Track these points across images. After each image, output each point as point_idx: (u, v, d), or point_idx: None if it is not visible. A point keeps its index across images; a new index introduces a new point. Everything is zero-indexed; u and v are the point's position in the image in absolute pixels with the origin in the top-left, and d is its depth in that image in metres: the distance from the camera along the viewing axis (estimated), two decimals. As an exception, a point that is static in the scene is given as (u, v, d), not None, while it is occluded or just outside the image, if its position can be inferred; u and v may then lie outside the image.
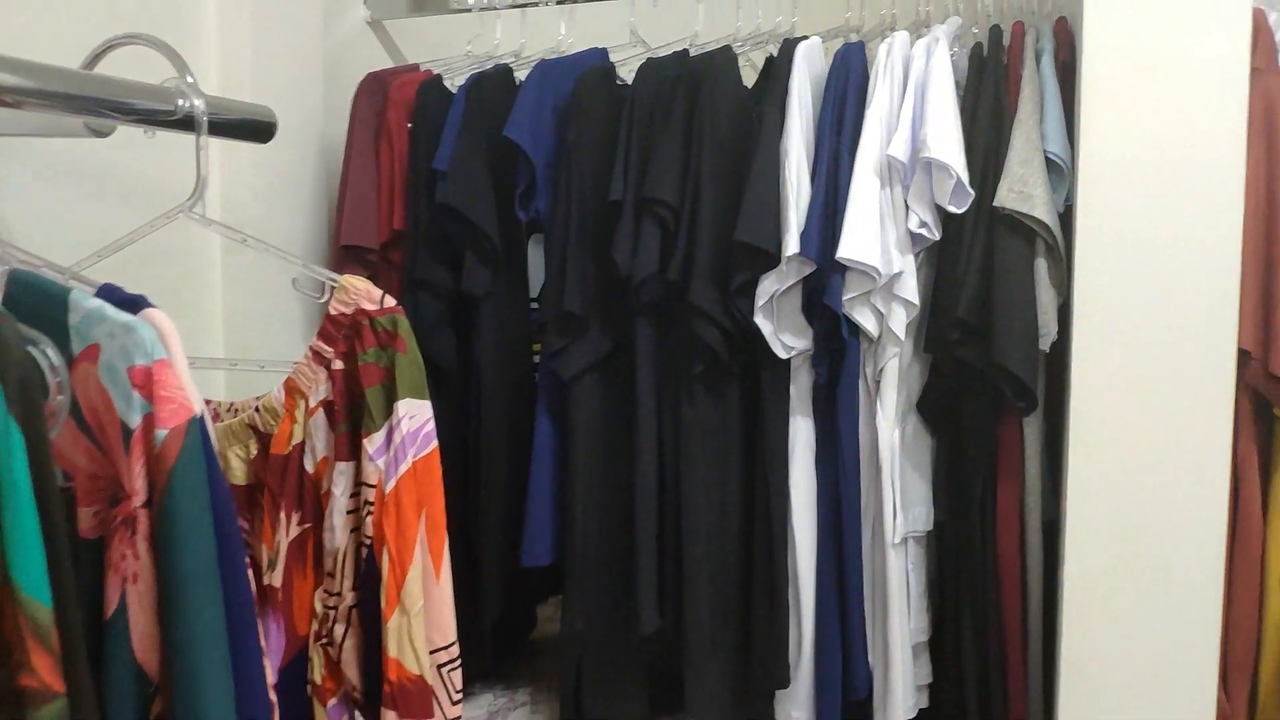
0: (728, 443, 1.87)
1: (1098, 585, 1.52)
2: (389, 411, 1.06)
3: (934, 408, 1.76)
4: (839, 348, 1.76)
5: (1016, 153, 1.56)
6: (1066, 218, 1.57)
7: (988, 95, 1.64)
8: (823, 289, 1.71)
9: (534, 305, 2.09)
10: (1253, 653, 1.57)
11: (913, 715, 1.81)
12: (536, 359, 2.04)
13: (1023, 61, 1.63)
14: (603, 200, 1.82)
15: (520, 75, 1.98)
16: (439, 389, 1.99)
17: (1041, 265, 1.57)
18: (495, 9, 2.13)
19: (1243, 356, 1.47)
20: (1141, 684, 1.51)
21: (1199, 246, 1.43)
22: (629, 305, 1.84)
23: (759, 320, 1.74)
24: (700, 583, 1.86)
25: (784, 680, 1.85)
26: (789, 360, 1.79)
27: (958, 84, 1.70)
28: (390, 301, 1.08)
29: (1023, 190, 1.53)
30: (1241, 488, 1.53)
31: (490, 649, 2.27)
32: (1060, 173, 1.57)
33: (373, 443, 1.06)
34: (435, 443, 1.09)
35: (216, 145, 1.76)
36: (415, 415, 1.07)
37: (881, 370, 1.73)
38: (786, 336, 1.77)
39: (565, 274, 1.82)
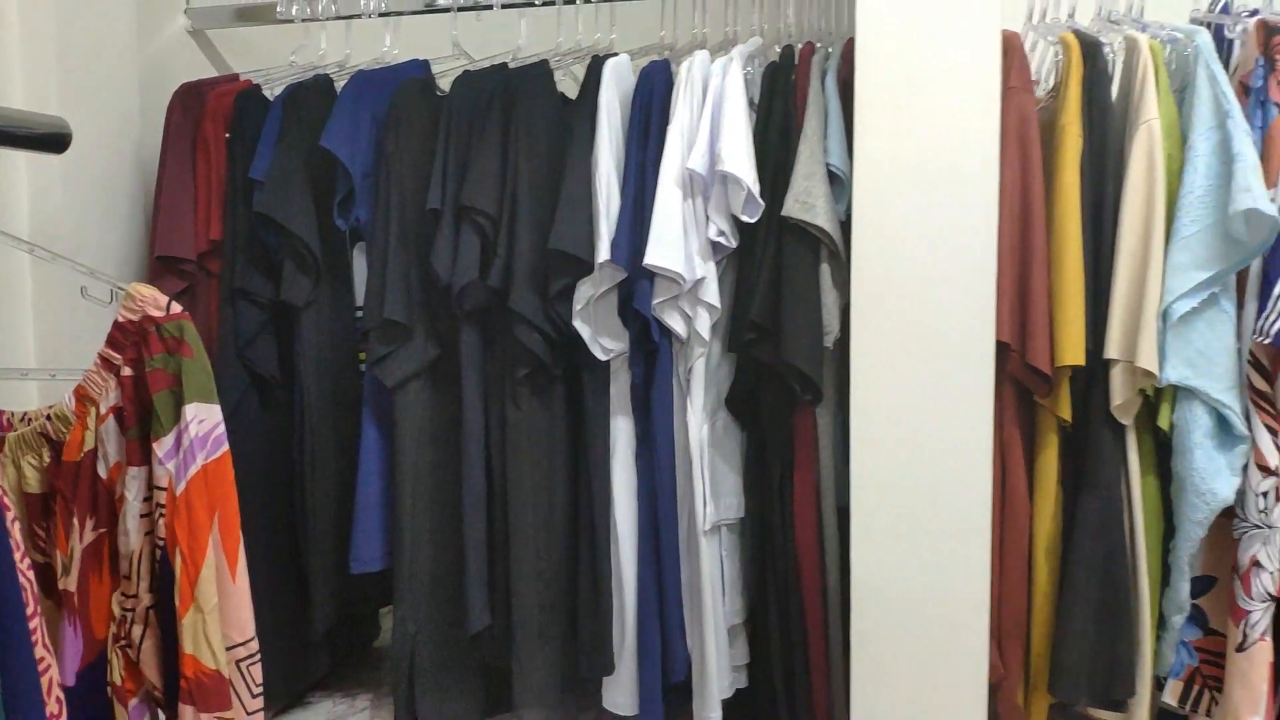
0: (552, 443, 1.94)
1: (881, 563, 1.64)
2: (177, 416, 1.09)
3: (741, 403, 1.87)
4: (652, 349, 1.85)
5: (801, 166, 1.68)
6: (849, 225, 1.69)
7: (778, 112, 1.76)
8: (633, 294, 1.80)
9: (359, 313, 2.11)
10: (1024, 618, 1.72)
11: (729, 694, 1.92)
12: (364, 367, 2.06)
13: (809, 79, 1.75)
14: (422, 209, 1.86)
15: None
16: (263, 399, 2.01)
17: (825, 270, 1.69)
18: (319, 20, 2.15)
19: (1005, 349, 1.62)
20: (923, 652, 1.64)
21: (959, 249, 1.57)
22: (452, 312, 1.89)
23: (578, 324, 1.82)
24: (528, 579, 1.92)
25: (609, 668, 1.93)
26: (608, 362, 1.88)
27: (753, 101, 1.83)
28: (177, 308, 1.11)
29: (806, 201, 1.65)
30: (1008, 468, 1.68)
31: (326, 657, 2.28)
32: (842, 184, 1.69)
33: (162, 447, 1.09)
34: (226, 446, 1.13)
35: (22, 156, 1.74)
36: (204, 419, 1.10)
37: (691, 370, 1.83)
38: (605, 340, 1.85)
39: (386, 282, 1.86)
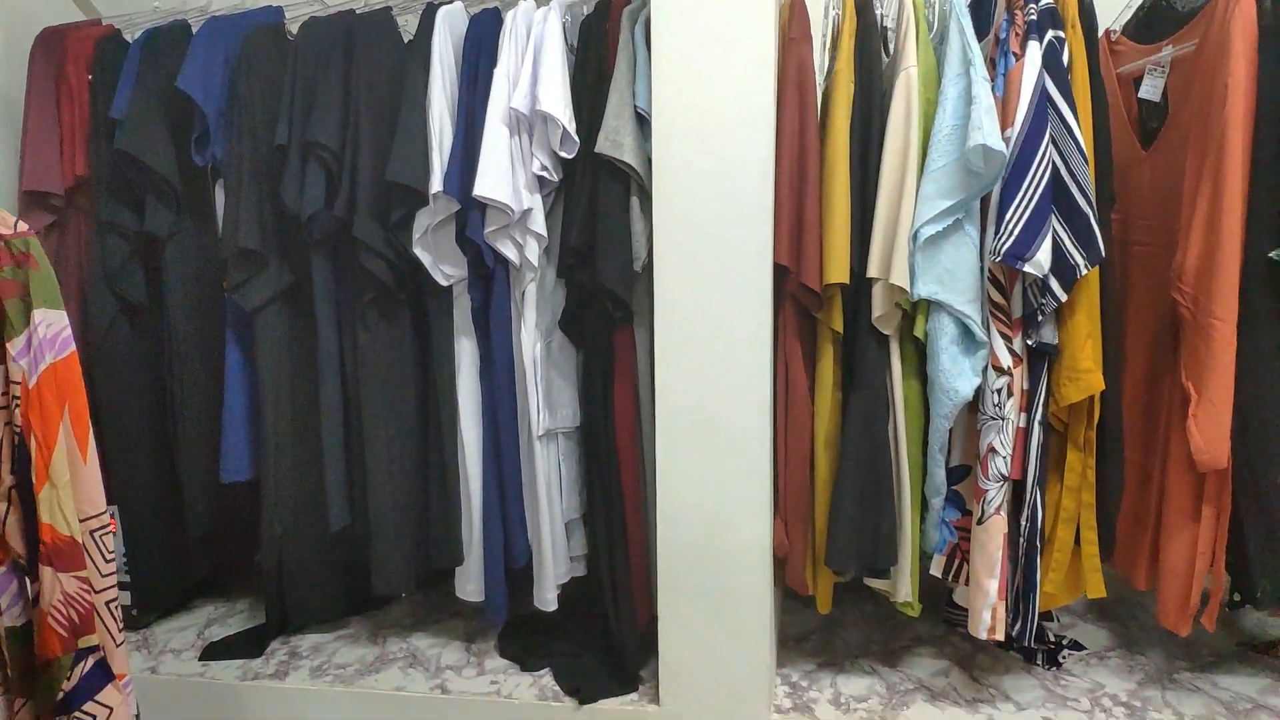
0: (400, 361, 2.14)
1: (680, 456, 1.89)
2: (28, 320, 1.27)
3: (572, 323, 2.09)
4: (489, 275, 2.05)
5: (612, 108, 1.89)
6: (656, 161, 1.91)
7: (593, 58, 1.97)
8: (467, 223, 2.00)
9: (222, 244, 2.26)
10: (808, 502, 1.98)
11: (566, 580, 2.17)
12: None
13: (620, 28, 1.95)
14: (272, 145, 2.02)
15: (202, 32, 2.14)
16: (133, 323, 2.17)
17: (635, 201, 1.91)
18: (181, -34, 2.28)
19: (785, 271, 1.87)
20: (715, 529, 1.89)
21: (742, 184, 1.80)
22: (304, 241, 2.06)
23: (418, 251, 2.01)
24: (382, 482, 2.13)
25: (458, 559, 2.16)
26: (451, 287, 2.08)
27: (573, 47, 2.02)
28: (23, 226, 1.28)
29: (615, 139, 1.87)
30: (791, 374, 1.93)
31: (207, 562, 2.46)
32: (650, 125, 1.90)
33: (15, 346, 1.27)
34: (73, 348, 1.31)
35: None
36: (51, 324, 1.28)
37: (524, 293, 2.04)
38: (446, 266, 2.05)
39: (240, 213, 2.03)
